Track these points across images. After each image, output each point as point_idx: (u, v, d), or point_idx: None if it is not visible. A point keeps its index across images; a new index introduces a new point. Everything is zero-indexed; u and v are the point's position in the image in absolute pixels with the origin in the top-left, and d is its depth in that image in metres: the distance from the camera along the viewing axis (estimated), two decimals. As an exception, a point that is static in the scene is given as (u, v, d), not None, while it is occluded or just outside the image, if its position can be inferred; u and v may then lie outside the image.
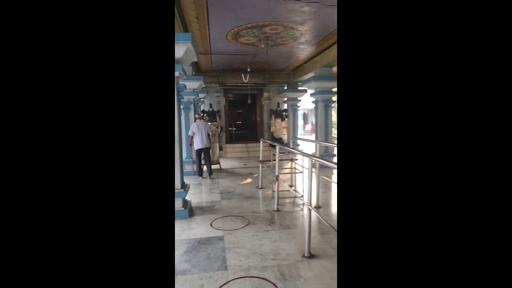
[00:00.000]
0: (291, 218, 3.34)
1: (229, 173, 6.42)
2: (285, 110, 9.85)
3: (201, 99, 9.04)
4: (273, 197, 4.21)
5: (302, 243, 2.61)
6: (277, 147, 3.61)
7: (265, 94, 6.84)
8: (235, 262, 2.32)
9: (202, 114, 6.33)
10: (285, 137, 9.83)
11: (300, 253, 2.46)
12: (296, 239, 2.75)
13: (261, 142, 4.83)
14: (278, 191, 3.63)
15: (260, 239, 2.77)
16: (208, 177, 5.78)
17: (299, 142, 10.02)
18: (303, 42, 5.80)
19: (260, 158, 4.77)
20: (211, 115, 9.01)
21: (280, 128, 9.64)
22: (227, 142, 9.74)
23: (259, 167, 4.93)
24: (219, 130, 9.00)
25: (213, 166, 6.83)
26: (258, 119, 10.44)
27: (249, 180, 5.59)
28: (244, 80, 8.60)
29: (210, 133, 5.73)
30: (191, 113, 6.19)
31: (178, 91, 3.49)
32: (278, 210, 3.60)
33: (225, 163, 7.64)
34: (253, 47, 6.13)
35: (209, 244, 2.68)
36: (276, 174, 3.59)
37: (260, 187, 4.87)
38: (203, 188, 5.03)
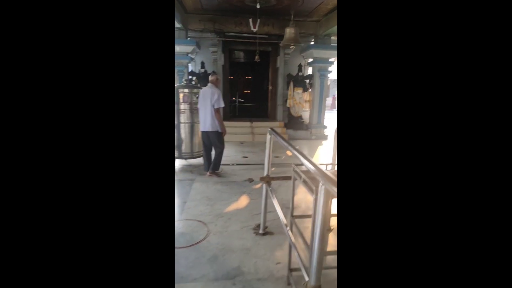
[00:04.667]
0: None
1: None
2: (310, 77, 6.92)
3: (189, 54, 6.24)
4: (289, 284, 1.64)
5: None
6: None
7: (288, 31, 4.13)
8: None
9: (216, 76, 3.66)
10: (306, 115, 7.02)
11: None
12: None
13: (268, 135, 2.14)
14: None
15: None
16: (207, 174, 3.72)
17: (326, 124, 7.22)
18: None
19: (266, 172, 2.13)
20: (202, 79, 6.26)
21: (300, 102, 6.77)
22: (225, 119, 7.01)
23: (263, 185, 2.30)
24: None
25: (191, 161, 4.29)
26: (270, 87, 7.56)
27: (243, 200, 2.99)
28: (252, 29, 5.69)
29: (218, 107, 3.51)
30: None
31: None
32: None
33: (215, 153, 5.03)
34: None
35: None
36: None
37: (261, 231, 2.28)
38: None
